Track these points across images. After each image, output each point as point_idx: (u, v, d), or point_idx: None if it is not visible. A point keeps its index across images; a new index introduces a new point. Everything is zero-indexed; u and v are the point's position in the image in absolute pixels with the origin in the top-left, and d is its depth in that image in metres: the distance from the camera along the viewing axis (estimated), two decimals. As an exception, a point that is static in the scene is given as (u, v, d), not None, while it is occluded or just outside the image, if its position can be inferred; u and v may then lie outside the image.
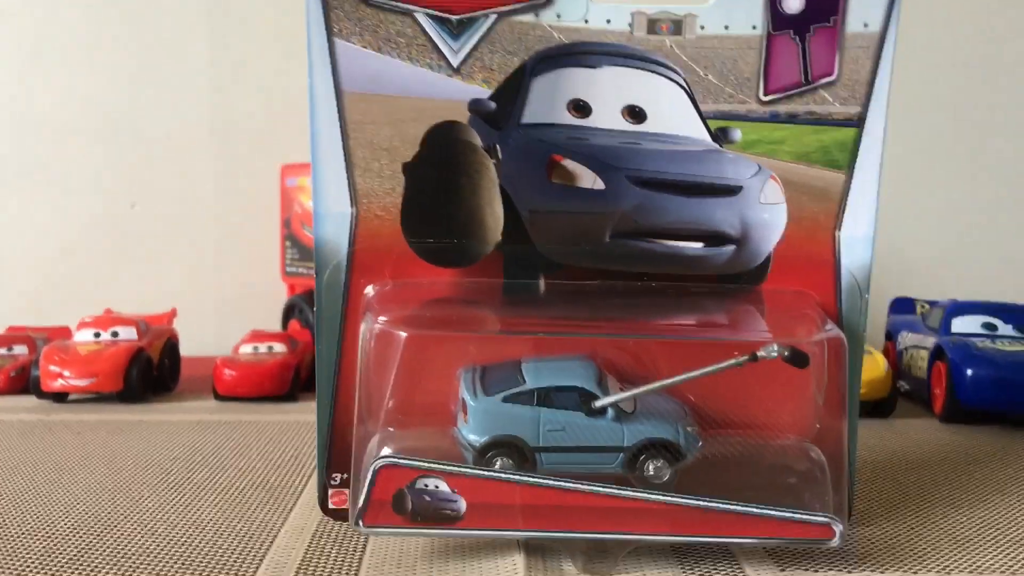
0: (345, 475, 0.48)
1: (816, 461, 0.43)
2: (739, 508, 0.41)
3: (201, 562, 0.43)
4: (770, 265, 0.47)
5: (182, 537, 0.46)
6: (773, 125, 0.46)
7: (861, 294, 0.47)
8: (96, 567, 0.42)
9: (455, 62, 0.45)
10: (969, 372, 0.75)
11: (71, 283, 1.15)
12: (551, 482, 0.41)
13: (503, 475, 0.41)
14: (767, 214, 0.47)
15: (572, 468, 0.42)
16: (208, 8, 1.13)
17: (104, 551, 0.44)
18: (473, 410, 0.42)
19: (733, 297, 0.47)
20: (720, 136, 0.46)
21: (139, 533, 0.47)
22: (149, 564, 0.42)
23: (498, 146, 0.46)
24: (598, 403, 0.42)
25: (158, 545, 0.45)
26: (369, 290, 0.47)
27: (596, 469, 0.42)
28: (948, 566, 0.43)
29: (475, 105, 0.46)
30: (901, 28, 0.45)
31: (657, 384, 0.42)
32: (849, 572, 0.42)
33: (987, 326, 0.82)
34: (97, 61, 1.15)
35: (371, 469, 0.41)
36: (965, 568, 0.43)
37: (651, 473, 0.42)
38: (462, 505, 0.41)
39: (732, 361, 0.42)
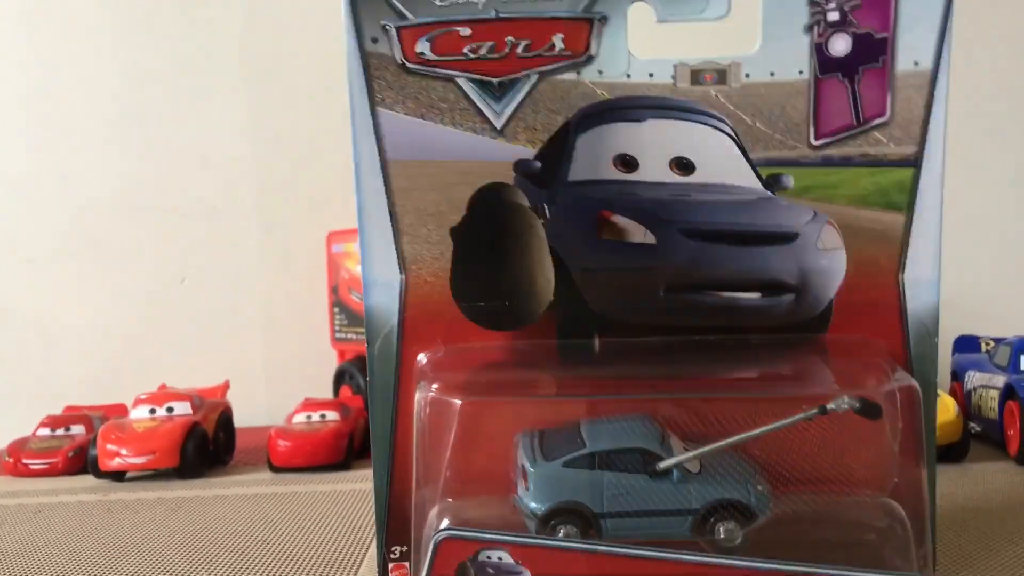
0: (404, 548, 0.47)
1: (896, 516, 0.41)
2: (819, 570, 0.39)
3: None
4: (832, 313, 0.46)
5: (242, 619, 0.45)
6: (827, 169, 0.45)
7: (930, 338, 0.45)
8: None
9: (499, 124, 0.45)
10: None
11: (126, 360, 1.16)
12: (617, 549, 0.39)
13: (568, 544, 0.40)
14: (825, 260, 0.45)
15: (638, 534, 0.41)
16: (249, 76, 1.15)
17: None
18: (533, 476, 0.41)
19: (795, 348, 0.46)
20: (772, 183, 0.45)
21: (199, 616, 0.46)
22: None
23: (545, 205, 0.45)
24: (662, 464, 0.41)
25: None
26: (422, 357, 0.46)
27: (663, 534, 0.41)
28: None
29: (520, 166, 0.45)
30: (954, 63, 0.44)
31: (723, 442, 0.41)
32: None
33: None
34: (140, 136, 1.17)
35: (432, 543, 0.40)
36: None
37: (722, 536, 0.40)
38: (527, 576, 0.40)
39: (801, 415, 0.40)
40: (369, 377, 0.46)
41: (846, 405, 0.40)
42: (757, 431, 0.41)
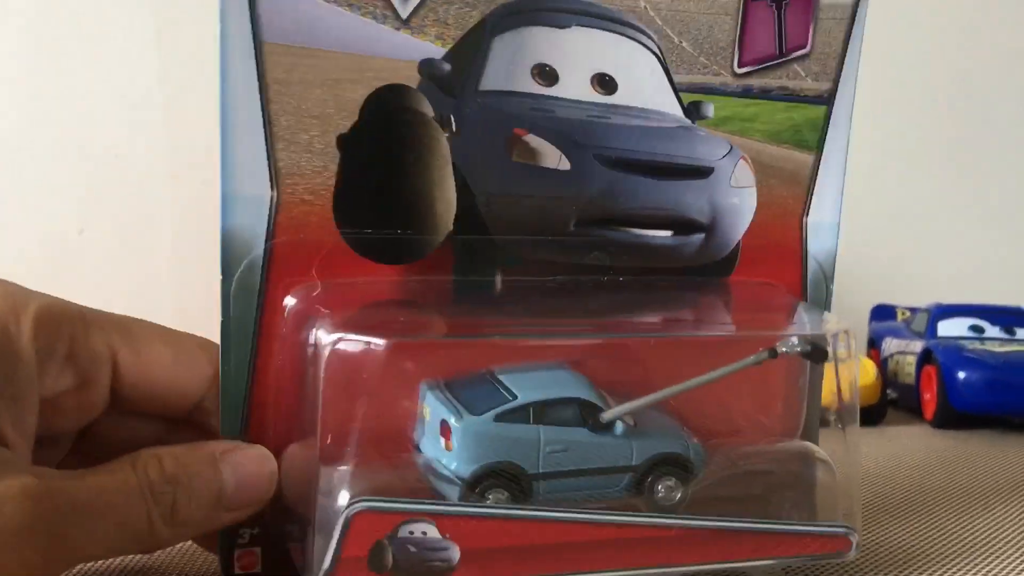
0: (255, 530, 0.38)
1: (818, 461, 0.39)
2: (756, 526, 0.37)
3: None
4: (738, 255, 0.43)
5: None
6: (745, 101, 0.42)
7: (826, 283, 0.44)
8: None
9: (404, 12, 0.37)
10: (961, 375, 0.72)
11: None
12: (568, 515, 0.34)
13: (513, 512, 0.34)
14: (737, 199, 0.42)
15: (572, 496, 0.36)
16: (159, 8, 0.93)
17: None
18: (460, 433, 0.34)
19: (705, 291, 0.43)
20: (693, 111, 0.41)
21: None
22: None
23: (452, 116, 0.38)
24: (606, 415, 0.36)
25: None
26: (291, 297, 0.37)
27: (599, 494, 0.36)
28: (964, 572, 0.41)
29: (427, 67, 0.37)
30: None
31: (676, 388, 0.37)
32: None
33: (974, 328, 0.81)
34: (38, 72, 0.93)
35: (341, 518, 0.32)
36: (993, 569, 0.41)
37: (661, 495, 0.36)
38: (455, 553, 0.33)
39: (752, 358, 0.37)
40: (222, 318, 0.37)
41: (797, 348, 0.37)
42: (708, 376, 0.37)
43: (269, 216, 0.37)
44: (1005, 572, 0.41)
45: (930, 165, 1.10)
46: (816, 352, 0.37)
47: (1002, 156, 1.11)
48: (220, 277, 0.37)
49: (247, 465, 0.35)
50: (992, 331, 0.81)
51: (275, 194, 0.36)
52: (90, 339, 0.36)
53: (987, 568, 0.42)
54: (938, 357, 0.76)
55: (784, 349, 0.37)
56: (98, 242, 0.96)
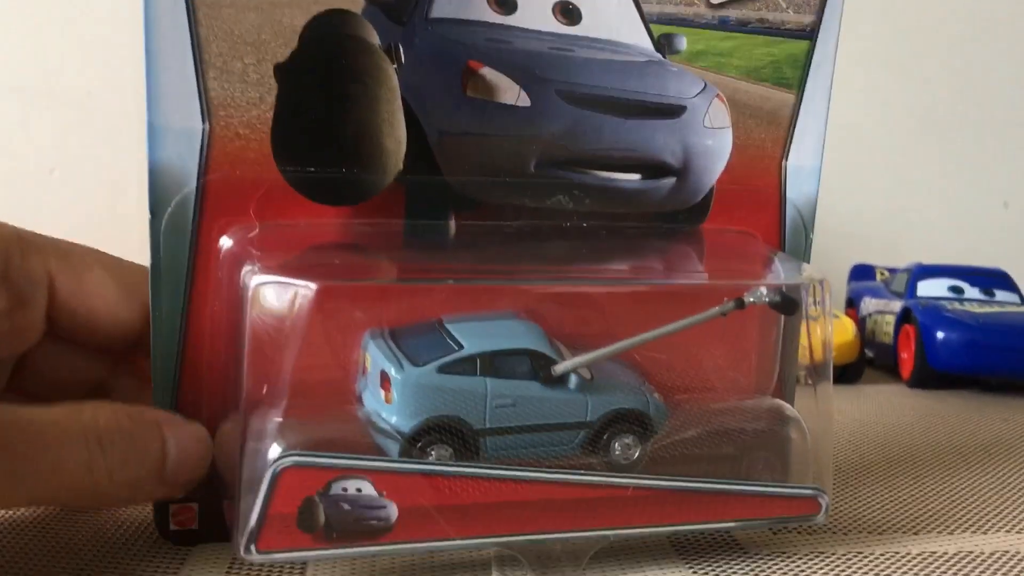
0: (190, 484, 0.36)
1: (794, 420, 0.37)
2: (718, 487, 0.35)
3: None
4: (712, 202, 0.40)
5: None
6: (722, 33, 0.39)
7: (806, 233, 0.42)
8: None
9: (346, -71, 0.34)
10: (940, 335, 0.72)
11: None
12: (515, 474, 0.32)
13: (453, 469, 0.31)
14: (711, 140, 0.40)
15: (522, 453, 0.33)
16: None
17: None
18: (400, 385, 0.32)
19: (675, 239, 0.40)
20: (664, 44, 0.39)
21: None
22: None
23: (400, 46, 0.35)
24: (559, 368, 0.33)
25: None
26: (227, 237, 0.35)
27: (551, 452, 0.34)
28: (949, 526, 0.40)
29: (372, -10, 0.35)
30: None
31: (633, 340, 0.35)
32: (846, 535, 0.38)
33: (953, 289, 0.81)
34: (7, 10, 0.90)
35: (269, 474, 0.30)
36: (968, 528, 0.40)
37: (617, 453, 0.34)
38: (392, 512, 0.31)
39: (717, 309, 0.35)
40: (151, 259, 0.35)
41: (765, 298, 0.35)
42: (669, 327, 0.35)
43: (201, 150, 0.34)
44: (983, 530, 0.40)
45: (912, 125, 1.07)
46: (786, 303, 0.35)
47: (985, 117, 1.08)
48: (148, 216, 0.34)
49: (187, 442, 0.33)
50: (971, 292, 0.81)
51: (207, 127, 0.34)
52: (26, 260, 0.35)
53: (964, 525, 0.41)
54: (918, 317, 0.76)
55: (752, 299, 0.35)
56: (69, 182, 0.94)
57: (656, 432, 0.35)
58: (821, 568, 0.35)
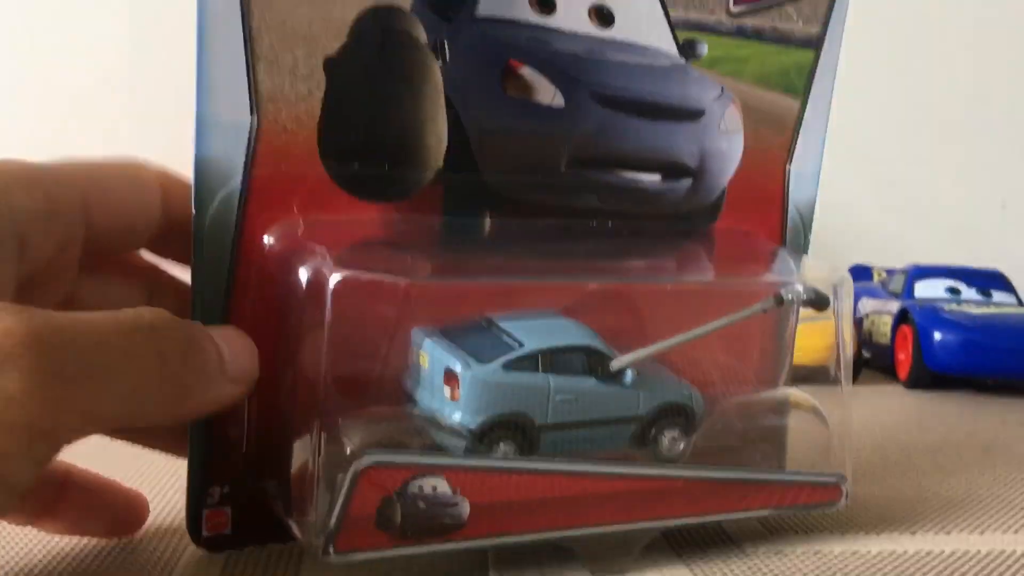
0: (226, 488, 0.35)
1: (814, 410, 0.39)
2: (753, 477, 0.36)
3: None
4: (723, 202, 0.42)
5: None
6: (739, 41, 0.41)
7: (805, 233, 0.44)
8: None
9: (400, -76, 0.34)
10: (937, 335, 0.72)
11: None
12: (580, 468, 0.33)
13: (526, 465, 0.32)
14: (725, 143, 0.41)
15: (577, 447, 0.34)
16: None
17: None
18: (469, 382, 0.32)
19: (692, 238, 0.42)
20: (687, 50, 0.40)
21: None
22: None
23: (447, 43, 0.35)
24: (616, 364, 0.34)
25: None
26: (267, 239, 0.34)
27: (603, 445, 0.35)
28: (947, 526, 0.41)
29: (422, -13, 0.35)
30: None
31: (683, 336, 0.36)
32: (843, 533, 0.39)
33: (950, 290, 0.81)
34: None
35: (349, 474, 0.30)
36: (965, 527, 0.41)
37: (666, 446, 0.35)
38: (464, 509, 0.31)
39: (759, 305, 0.36)
40: (195, 256, 0.33)
41: (802, 295, 0.36)
42: (717, 323, 0.36)
43: (248, 144, 0.33)
44: (979, 530, 0.41)
45: (909, 125, 1.09)
46: (819, 299, 0.37)
47: (982, 118, 1.10)
48: (192, 211, 0.33)
49: (233, 338, 0.32)
50: (968, 293, 0.82)
51: (255, 120, 0.33)
52: (67, 192, 0.33)
53: (961, 525, 0.42)
54: (915, 317, 0.75)
55: (790, 296, 0.36)
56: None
57: (698, 424, 0.36)
58: (818, 567, 0.36)
